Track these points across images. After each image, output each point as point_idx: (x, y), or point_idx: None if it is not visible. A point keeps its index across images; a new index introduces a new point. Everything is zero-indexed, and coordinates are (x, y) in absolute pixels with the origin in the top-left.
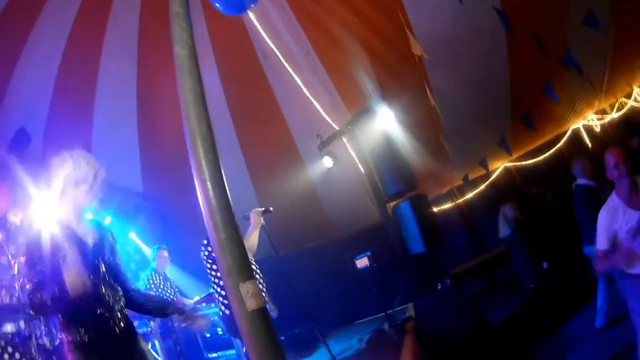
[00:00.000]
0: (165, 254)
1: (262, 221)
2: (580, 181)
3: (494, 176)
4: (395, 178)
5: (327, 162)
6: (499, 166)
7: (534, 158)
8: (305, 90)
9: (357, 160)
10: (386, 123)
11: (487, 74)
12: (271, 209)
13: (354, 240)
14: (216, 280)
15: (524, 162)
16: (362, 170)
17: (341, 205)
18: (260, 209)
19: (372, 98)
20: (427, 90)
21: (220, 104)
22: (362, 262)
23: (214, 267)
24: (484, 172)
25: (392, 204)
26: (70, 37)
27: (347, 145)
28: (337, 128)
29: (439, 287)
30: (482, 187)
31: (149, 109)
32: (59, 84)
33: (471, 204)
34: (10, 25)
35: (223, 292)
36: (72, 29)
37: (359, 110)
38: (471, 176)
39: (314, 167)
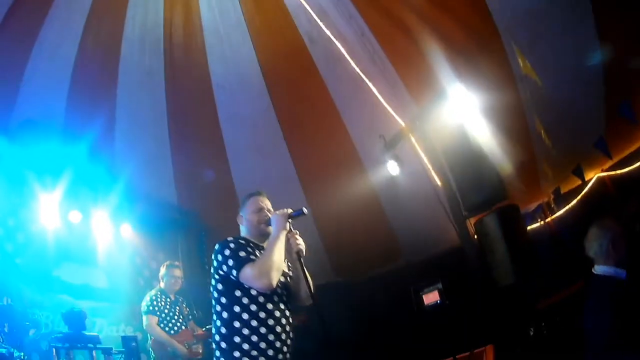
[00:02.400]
0: (178, 272)
1: (289, 226)
2: None
3: (586, 189)
4: (478, 185)
5: (393, 168)
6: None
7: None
8: (363, 79)
9: (429, 164)
10: (464, 114)
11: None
12: (305, 210)
13: (424, 267)
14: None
15: (619, 171)
16: (435, 177)
17: (410, 222)
18: (286, 210)
19: (445, 83)
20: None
21: (262, 100)
22: (430, 297)
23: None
24: (578, 182)
25: (473, 220)
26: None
27: (416, 145)
28: (403, 124)
29: (531, 333)
30: (574, 202)
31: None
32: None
33: (564, 222)
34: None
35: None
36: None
37: (429, 100)
38: (563, 188)
39: (378, 174)
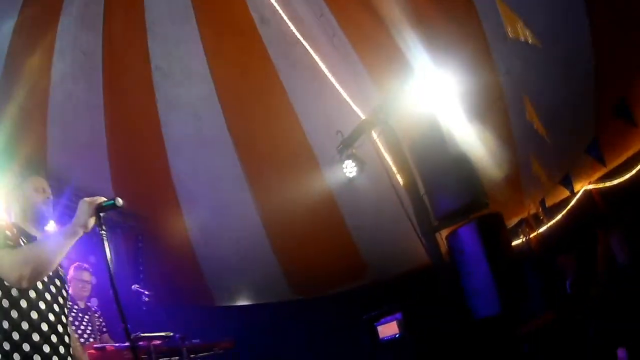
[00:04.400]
0: (86, 276)
1: (91, 220)
2: None
3: (573, 202)
4: (452, 188)
5: (350, 169)
6: (583, 187)
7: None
8: (320, 66)
9: (392, 164)
10: (435, 104)
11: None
12: (119, 201)
13: (390, 288)
14: None
15: (608, 183)
16: (400, 179)
17: (373, 234)
18: (94, 199)
19: (413, 67)
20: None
21: (204, 86)
22: (386, 329)
23: None
24: (566, 194)
25: (445, 232)
26: None
27: (378, 141)
28: (363, 117)
29: None
30: (559, 217)
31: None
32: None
33: (546, 240)
34: None
35: None
36: None
37: (395, 89)
38: (548, 201)
39: (336, 177)
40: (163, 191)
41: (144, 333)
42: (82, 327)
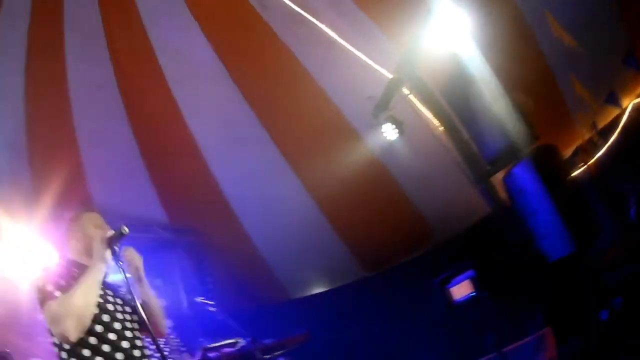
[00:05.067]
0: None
1: (107, 253)
2: None
3: (624, 118)
4: (497, 126)
5: (390, 132)
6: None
7: None
8: (332, 36)
9: (431, 116)
10: (459, 42)
11: None
12: (125, 229)
13: (454, 249)
14: None
15: None
16: (443, 130)
17: (432, 192)
18: (103, 234)
19: (429, 7)
20: None
21: (222, 85)
22: (460, 290)
23: None
24: (615, 112)
25: (500, 175)
26: None
27: (411, 97)
28: (390, 76)
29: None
30: (615, 136)
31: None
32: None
33: (606, 164)
34: None
35: None
36: None
37: (414, 39)
38: (599, 123)
39: (379, 142)
40: (212, 201)
41: (213, 343)
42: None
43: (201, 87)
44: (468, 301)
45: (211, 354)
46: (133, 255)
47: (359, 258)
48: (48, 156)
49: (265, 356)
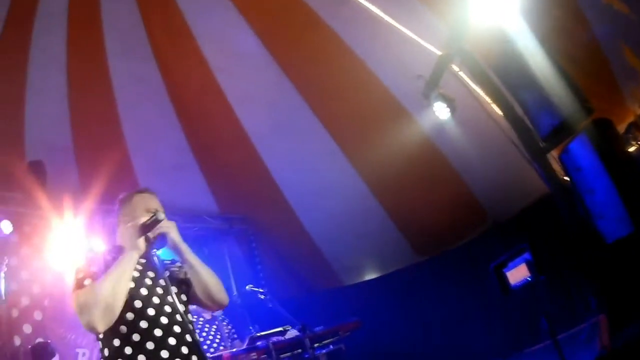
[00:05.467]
0: None
1: (140, 241)
2: None
3: None
4: (550, 101)
5: (441, 111)
6: None
7: None
8: (377, 14)
9: (483, 93)
10: (508, 16)
11: None
12: (160, 215)
13: (503, 233)
14: None
15: None
16: (495, 107)
17: (485, 172)
18: (136, 221)
19: None
20: None
21: (270, 74)
22: (516, 275)
23: None
24: None
25: (556, 152)
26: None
27: (461, 74)
28: (439, 53)
29: None
30: None
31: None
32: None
33: None
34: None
35: None
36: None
37: (461, 14)
38: None
39: (430, 122)
40: (263, 188)
41: (262, 332)
42: (211, 337)
43: (247, 74)
44: (523, 286)
45: (259, 343)
46: (164, 225)
47: (412, 242)
48: (95, 152)
49: (314, 344)
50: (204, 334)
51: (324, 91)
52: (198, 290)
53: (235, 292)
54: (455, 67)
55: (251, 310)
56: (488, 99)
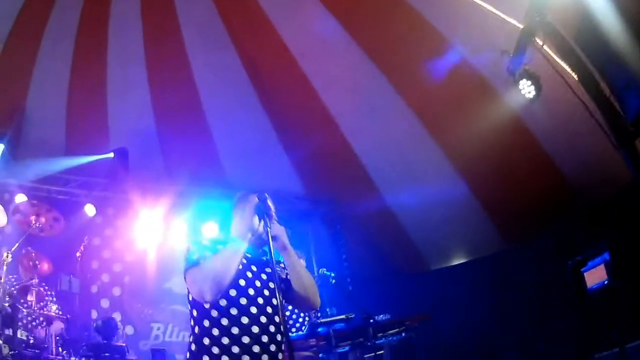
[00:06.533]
0: None
1: (255, 221)
2: None
3: None
4: (635, 80)
5: (527, 89)
6: None
7: None
8: None
9: (569, 69)
10: None
11: None
12: (266, 194)
13: (585, 227)
14: None
15: None
16: (581, 85)
17: (575, 155)
18: (248, 202)
19: None
20: None
21: (351, 55)
22: (594, 276)
23: None
24: None
25: None
26: None
27: (545, 48)
28: (521, 26)
29: None
30: None
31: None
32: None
33: None
34: None
35: None
36: None
37: None
38: None
39: (516, 99)
40: (349, 171)
41: (325, 318)
42: (300, 321)
43: (329, 58)
44: (599, 289)
45: (321, 330)
46: (276, 229)
47: (499, 227)
48: (179, 138)
49: (378, 334)
50: (294, 316)
51: (408, 71)
52: (296, 290)
53: (315, 274)
54: (538, 41)
55: (329, 292)
56: (574, 76)
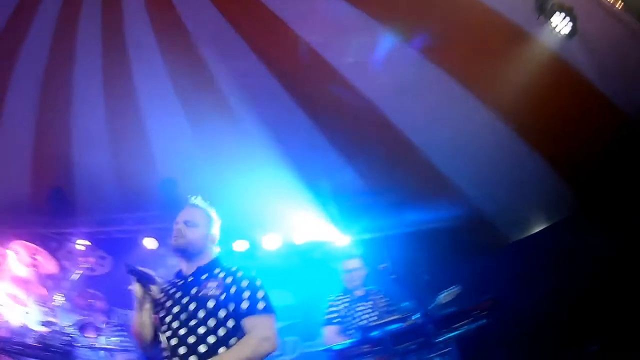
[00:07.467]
0: (351, 265)
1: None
2: None
3: None
4: None
5: (561, 24)
6: None
7: None
8: None
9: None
10: None
11: None
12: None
13: None
14: None
15: None
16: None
17: (623, 89)
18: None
19: None
20: None
21: (372, 29)
22: None
23: None
24: None
25: None
26: None
27: None
28: None
29: None
30: None
31: None
32: None
33: None
34: None
35: None
36: None
37: None
38: None
39: (552, 38)
40: (402, 154)
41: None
42: (367, 314)
43: (350, 41)
44: None
45: (373, 334)
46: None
47: (568, 180)
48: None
49: (442, 329)
50: (359, 309)
51: (433, 31)
52: None
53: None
54: None
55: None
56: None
